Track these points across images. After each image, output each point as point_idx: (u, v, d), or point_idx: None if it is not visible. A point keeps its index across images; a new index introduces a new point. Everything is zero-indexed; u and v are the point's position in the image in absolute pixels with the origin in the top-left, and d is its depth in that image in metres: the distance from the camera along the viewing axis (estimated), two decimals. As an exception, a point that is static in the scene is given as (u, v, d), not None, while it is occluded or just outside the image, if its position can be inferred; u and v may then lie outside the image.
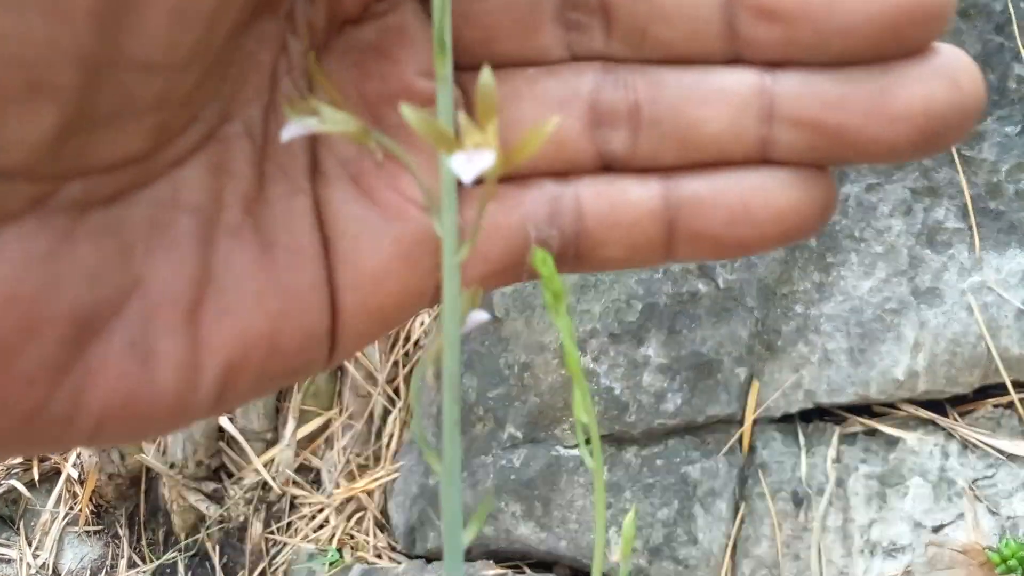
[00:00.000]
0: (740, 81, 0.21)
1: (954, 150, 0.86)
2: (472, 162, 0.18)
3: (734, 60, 0.21)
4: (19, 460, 1.27)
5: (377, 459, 1.21)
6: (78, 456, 1.29)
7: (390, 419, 1.22)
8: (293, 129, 0.19)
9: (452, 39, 0.22)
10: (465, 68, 0.22)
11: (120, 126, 0.18)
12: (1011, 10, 0.87)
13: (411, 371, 1.27)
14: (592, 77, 0.22)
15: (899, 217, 0.86)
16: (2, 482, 1.26)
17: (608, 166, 0.23)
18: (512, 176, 0.22)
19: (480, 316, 0.21)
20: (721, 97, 0.21)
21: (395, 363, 1.27)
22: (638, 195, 0.22)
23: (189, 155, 0.20)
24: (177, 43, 0.17)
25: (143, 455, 1.26)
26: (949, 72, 0.20)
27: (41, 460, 1.29)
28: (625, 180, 0.22)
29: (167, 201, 0.20)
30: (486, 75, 0.17)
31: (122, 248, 0.19)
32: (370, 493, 1.16)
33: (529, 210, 0.22)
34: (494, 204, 0.22)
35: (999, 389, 0.83)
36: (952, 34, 0.88)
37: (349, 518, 1.18)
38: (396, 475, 1.16)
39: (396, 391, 1.26)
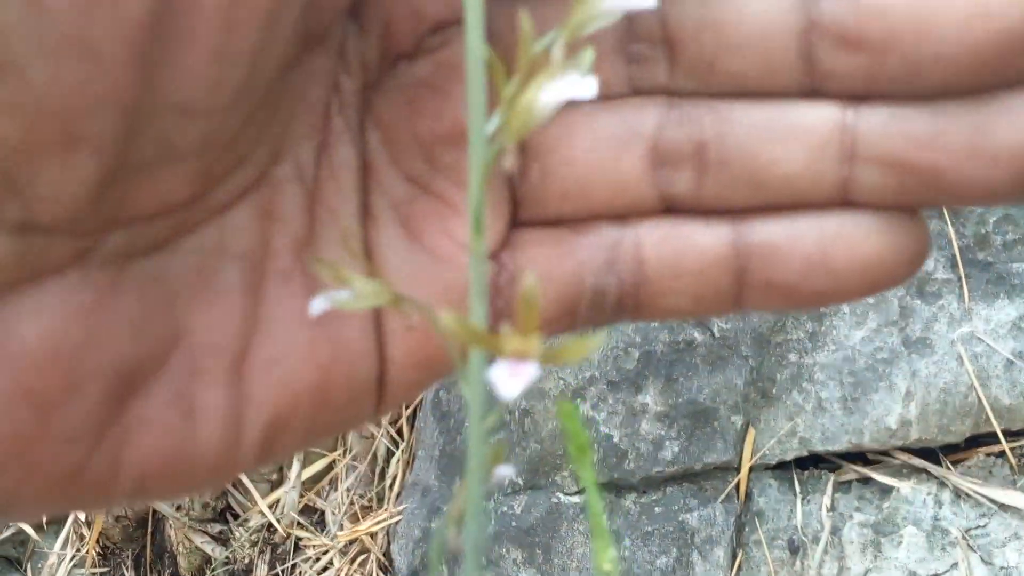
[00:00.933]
0: (819, 116, 0.19)
1: (943, 202, 0.88)
2: (514, 376, 0.16)
3: (812, 93, 0.19)
4: (28, 502, 1.29)
5: (381, 500, 1.23)
6: (86, 498, 1.31)
7: (393, 460, 1.23)
8: (321, 304, 0.18)
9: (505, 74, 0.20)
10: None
11: (162, 173, 0.17)
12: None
13: (414, 411, 1.29)
14: (655, 113, 0.20)
15: (890, 268, 0.88)
16: (10, 524, 1.28)
17: (672, 209, 0.21)
18: (568, 220, 0.21)
19: (505, 471, 0.19)
20: (797, 135, 0.19)
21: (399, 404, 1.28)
22: (705, 241, 0.20)
23: (236, 200, 0.19)
24: (219, 85, 0.17)
25: (150, 497, 1.28)
26: None
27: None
28: (691, 224, 0.21)
29: (213, 248, 0.19)
30: (530, 279, 0.16)
31: (166, 298, 0.19)
32: (373, 536, 1.18)
33: (585, 257, 0.21)
34: (549, 250, 0.21)
35: (990, 438, 0.84)
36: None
37: (353, 560, 1.20)
38: (399, 517, 1.17)
39: (399, 432, 1.27)
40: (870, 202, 0.19)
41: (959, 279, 0.87)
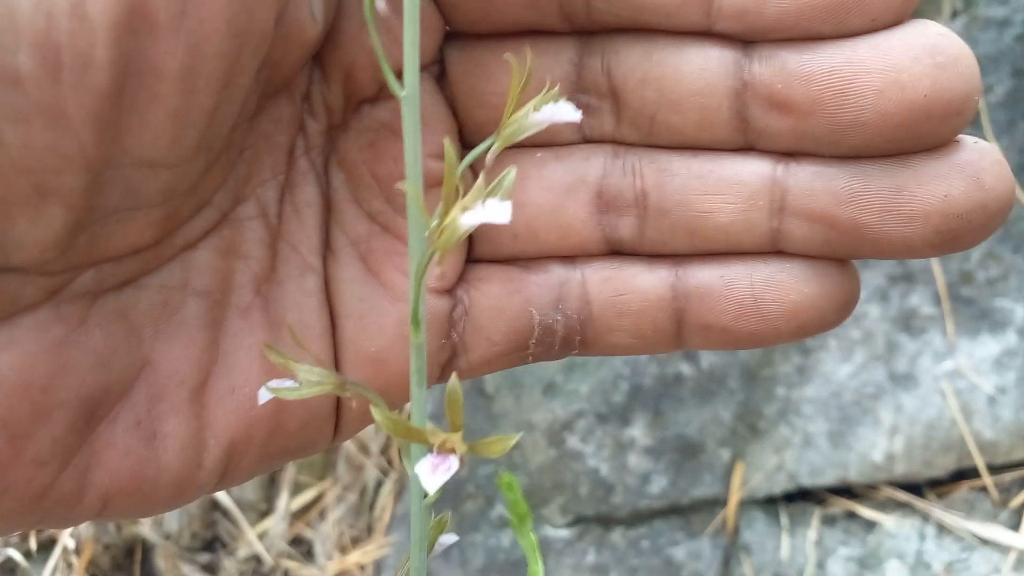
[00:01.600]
0: (751, 171, 0.20)
1: (927, 239, 0.89)
2: (437, 470, 0.17)
3: (746, 149, 0.20)
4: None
5: (370, 530, 1.23)
6: (75, 527, 1.30)
7: (383, 490, 1.24)
8: (266, 395, 0.19)
9: (464, 119, 0.21)
10: (476, 146, 0.22)
11: (128, 218, 0.18)
12: (981, 103, 0.91)
13: (404, 442, 1.28)
14: (600, 162, 0.21)
15: (876, 303, 0.89)
16: (0, 551, 1.27)
17: (616, 251, 0.22)
18: (518, 259, 0.22)
19: (449, 539, 0.21)
20: (730, 188, 0.20)
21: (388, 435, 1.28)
22: (646, 283, 0.21)
23: (199, 239, 0.20)
24: (180, 141, 0.18)
25: (139, 526, 1.27)
26: (972, 169, 0.19)
27: (38, 530, 1.31)
28: (633, 266, 0.22)
29: (177, 285, 0.20)
30: (453, 382, 0.17)
31: (131, 332, 0.20)
32: (363, 567, 1.18)
33: (534, 294, 0.22)
34: (500, 287, 0.22)
35: (974, 472, 0.85)
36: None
37: (342, 591, 1.20)
38: (388, 549, 1.17)
39: (389, 462, 1.28)
40: (799, 252, 0.20)
41: (943, 314, 0.88)
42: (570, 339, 0.22)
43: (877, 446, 0.87)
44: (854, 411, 0.88)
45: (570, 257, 0.22)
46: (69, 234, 0.17)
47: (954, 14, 0.90)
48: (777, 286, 0.21)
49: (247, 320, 0.21)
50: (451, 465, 0.18)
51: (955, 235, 0.19)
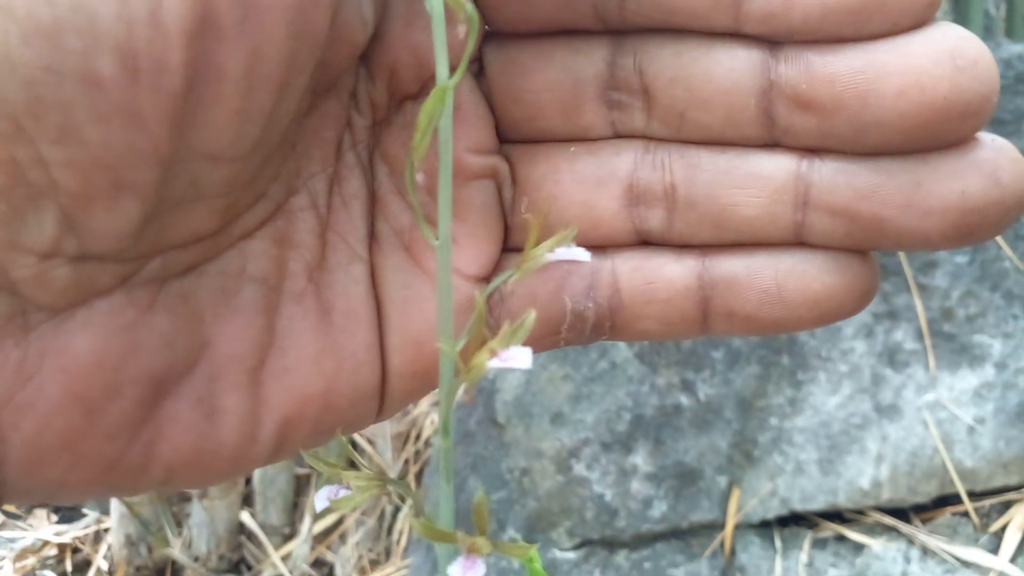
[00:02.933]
0: (776, 167, 0.21)
1: (910, 278, 0.95)
2: (467, 572, 0.19)
3: (771, 145, 0.21)
4: (53, 552, 1.34)
5: (388, 554, 1.28)
6: (108, 548, 1.36)
7: (400, 516, 1.30)
8: (322, 503, 0.21)
9: (501, 115, 0.22)
10: (513, 141, 0.23)
11: (192, 209, 0.19)
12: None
13: (421, 469, 1.35)
14: (631, 157, 0.22)
15: (862, 339, 0.94)
16: (37, 573, 1.33)
17: (645, 242, 0.22)
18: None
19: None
20: (756, 182, 0.21)
21: (406, 461, 1.35)
22: (674, 272, 0.22)
23: (256, 229, 0.21)
24: (241, 137, 0.19)
25: (170, 548, 1.34)
26: (990, 167, 0.19)
27: (74, 551, 1.37)
28: (661, 256, 0.22)
29: (235, 271, 0.21)
30: (479, 497, 0.19)
31: (194, 315, 0.21)
32: (381, 588, 1.23)
33: (566, 282, 0.22)
34: (533, 275, 0.22)
35: (956, 498, 0.90)
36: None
37: (361, 612, 1.25)
38: (405, 571, 1.22)
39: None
40: (822, 244, 0.21)
41: (926, 349, 0.93)
42: (600, 325, 0.23)
43: (864, 473, 0.92)
44: (842, 440, 0.93)
45: (601, 247, 0.22)
46: (141, 224, 0.18)
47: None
48: (800, 276, 0.21)
49: (300, 305, 0.22)
50: (479, 569, 0.19)
51: (971, 230, 0.19)
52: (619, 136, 0.22)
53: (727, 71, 0.20)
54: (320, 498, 0.22)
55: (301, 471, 1.39)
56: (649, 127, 0.22)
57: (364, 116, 0.22)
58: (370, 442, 1.34)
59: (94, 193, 0.17)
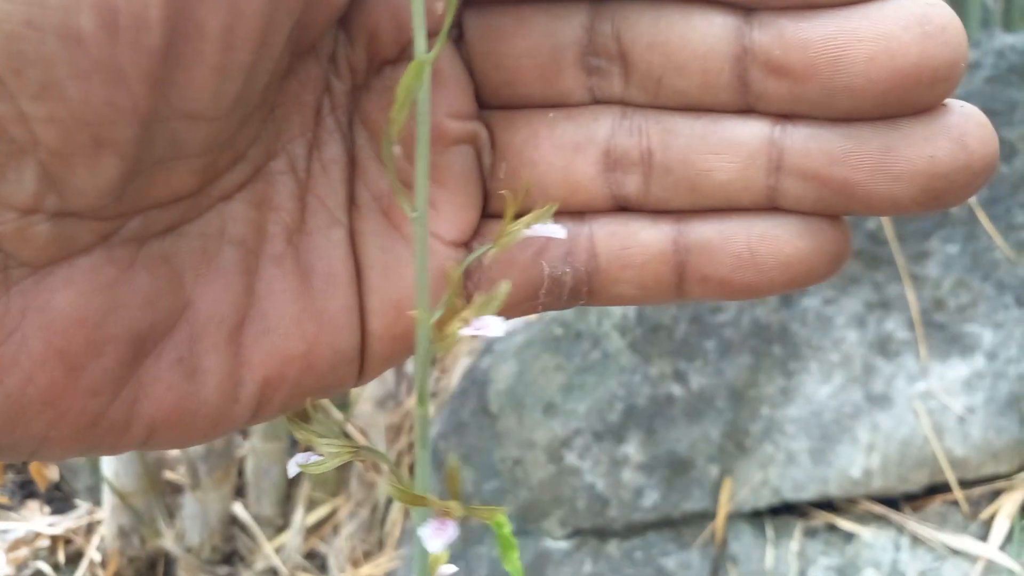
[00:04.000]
0: (750, 132, 0.21)
1: (903, 268, 0.95)
2: (438, 533, 0.20)
3: (745, 111, 0.21)
4: (46, 543, 1.34)
5: (381, 545, 1.29)
6: (101, 539, 1.36)
7: (393, 507, 1.30)
8: (294, 469, 0.21)
9: (480, 81, 0.22)
10: (492, 107, 0.23)
11: (172, 168, 0.19)
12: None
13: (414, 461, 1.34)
14: (608, 123, 0.22)
15: (854, 328, 0.95)
16: (30, 563, 1.34)
17: (622, 208, 0.23)
18: (529, 213, 0.22)
19: (448, 569, 0.23)
20: (731, 147, 0.21)
21: (399, 452, 1.35)
22: (649, 237, 0.22)
23: (235, 191, 0.21)
24: (221, 95, 0.19)
25: (163, 539, 1.34)
26: (957, 132, 0.19)
27: (67, 543, 1.37)
28: (638, 222, 0.22)
29: (215, 233, 0.21)
30: (452, 460, 0.20)
31: (174, 275, 0.21)
32: (374, 579, 1.23)
33: (544, 248, 0.23)
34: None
35: (946, 487, 0.90)
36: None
37: (354, 602, 1.25)
38: (398, 562, 1.23)
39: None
40: (794, 208, 0.21)
41: (917, 339, 0.93)
42: (578, 289, 0.23)
43: (855, 462, 0.92)
44: (834, 430, 0.93)
45: (579, 213, 0.23)
46: (121, 182, 0.18)
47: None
48: (772, 240, 0.21)
49: (280, 268, 0.22)
50: (450, 531, 0.20)
51: (939, 194, 0.20)
52: (597, 102, 0.22)
53: (703, 37, 0.21)
54: (292, 464, 0.22)
55: (294, 463, 1.38)
56: (627, 92, 0.22)
57: (343, 80, 0.22)
58: (363, 433, 1.34)
59: (75, 149, 0.18)
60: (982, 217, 0.93)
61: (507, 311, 0.22)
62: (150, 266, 0.20)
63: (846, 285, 0.96)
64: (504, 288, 0.20)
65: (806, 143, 0.20)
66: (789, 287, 0.22)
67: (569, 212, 0.23)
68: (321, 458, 0.22)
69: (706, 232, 0.22)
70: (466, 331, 0.20)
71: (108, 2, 0.17)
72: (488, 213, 0.23)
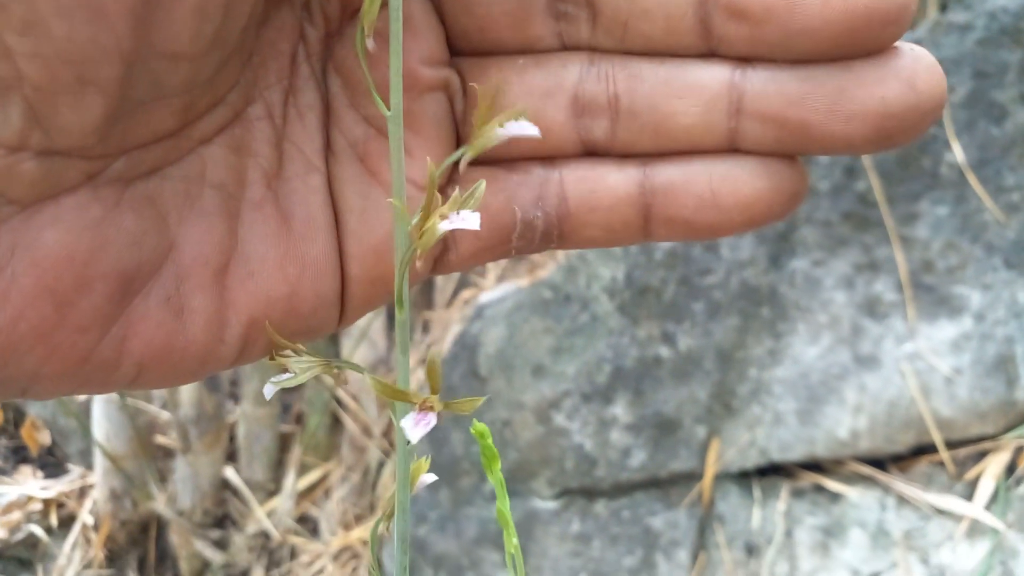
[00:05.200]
0: (712, 76, 0.22)
1: (892, 229, 0.95)
2: (419, 425, 0.20)
3: (708, 55, 0.22)
4: (38, 507, 1.35)
5: (372, 508, 1.29)
6: (93, 503, 1.37)
7: (384, 471, 1.30)
8: (271, 388, 0.22)
9: (451, 28, 0.23)
10: (463, 54, 0.23)
11: (154, 108, 0.20)
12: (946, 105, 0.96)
13: (406, 425, 1.35)
14: (576, 69, 0.23)
15: (842, 290, 0.94)
16: (22, 527, 1.34)
17: (590, 152, 0.23)
18: (501, 159, 0.23)
19: (428, 478, 0.23)
20: (694, 92, 0.22)
21: (390, 416, 1.34)
22: (616, 180, 0.23)
23: (215, 134, 0.22)
24: (199, 35, 0.19)
25: (154, 503, 1.34)
26: (907, 74, 0.20)
27: (59, 506, 1.37)
28: (605, 166, 0.23)
29: (196, 176, 0.22)
30: (433, 355, 0.20)
31: (159, 216, 0.21)
32: (365, 542, 1.24)
33: (516, 193, 0.23)
34: (486, 183, 0.22)
35: (932, 448, 0.91)
36: (889, 125, 0.97)
37: (345, 565, 1.26)
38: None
39: (391, 443, 1.34)
40: (753, 150, 0.22)
41: (905, 301, 0.93)
42: (549, 233, 0.24)
43: (842, 423, 0.92)
44: (821, 391, 0.93)
45: (548, 158, 0.23)
46: (105, 121, 0.19)
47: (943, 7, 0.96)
48: (733, 181, 0.22)
49: (261, 212, 0.22)
50: (430, 420, 0.20)
51: (891, 133, 0.20)
52: (566, 47, 0.23)
53: None
54: (267, 386, 0.23)
55: (285, 428, 1.39)
56: (594, 37, 0.23)
57: (317, 28, 0.23)
58: (354, 398, 1.34)
59: (59, 87, 0.18)
60: (972, 179, 0.93)
61: (481, 255, 0.24)
62: (135, 206, 0.21)
63: (835, 247, 0.96)
64: (482, 186, 0.21)
65: (765, 86, 0.21)
66: (748, 226, 0.22)
67: (539, 157, 0.23)
68: (292, 375, 0.22)
69: (670, 175, 0.22)
70: (444, 225, 0.20)
71: None
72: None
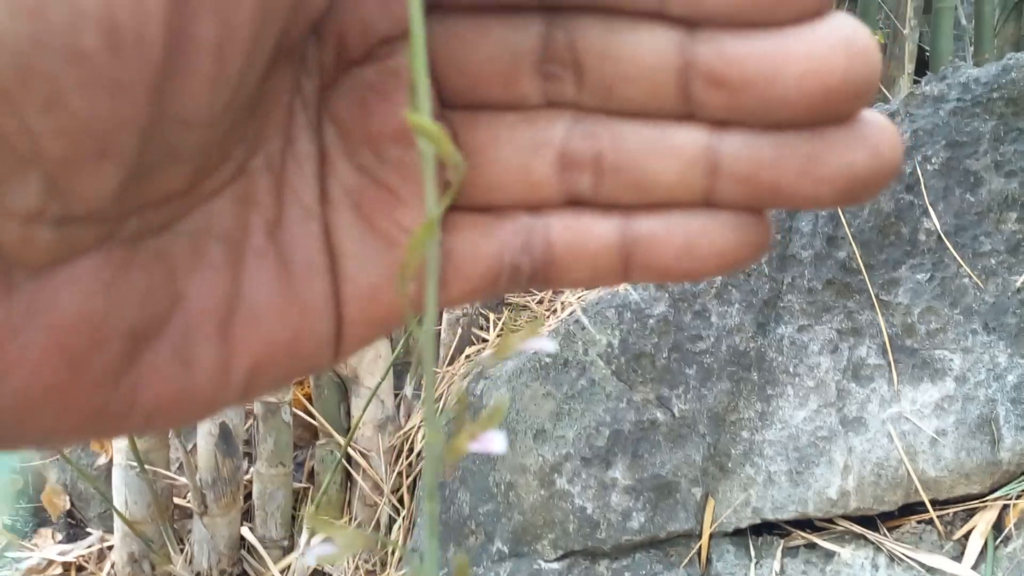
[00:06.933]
0: (691, 139, 0.23)
1: (873, 296, 0.99)
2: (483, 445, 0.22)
3: (687, 118, 0.23)
4: (58, 572, 1.38)
5: (384, 565, 1.32)
6: (112, 566, 1.41)
7: (395, 527, 1.33)
8: (312, 559, 0.23)
9: (443, 83, 0.24)
10: (453, 107, 0.25)
11: (167, 171, 0.21)
12: (919, 172, 1.00)
13: (414, 481, 1.39)
14: (563, 126, 0.24)
15: (827, 355, 0.98)
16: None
17: (575, 203, 0.25)
18: (492, 208, 0.25)
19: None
20: (674, 152, 0.23)
21: (399, 474, 1.39)
22: (600, 230, 0.24)
23: (220, 189, 0.23)
24: (213, 102, 0.20)
25: (172, 565, 1.38)
26: (872, 141, 0.22)
27: (79, 569, 1.41)
28: (589, 216, 0.24)
29: (203, 230, 0.23)
30: (461, 561, 0.21)
31: (167, 272, 0.22)
32: (376, 598, 1.27)
33: (505, 239, 0.24)
34: (476, 232, 0.24)
35: (920, 507, 0.94)
36: (869, 193, 1.01)
37: (358, 622, 1.29)
38: (399, 582, 1.26)
39: (400, 500, 1.38)
40: (728, 205, 0.24)
41: (889, 364, 0.97)
42: (535, 276, 0.25)
43: (832, 484, 0.96)
44: (810, 452, 0.97)
45: (535, 207, 0.25)
46: (120, 187, 0.19)
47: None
48: (708, 234, 0.23)
49: (263, 261, 0.23)
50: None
51: (856, 195, 0.22)
52: (552, 105, 0.24)
53: (651, 50, 0.23)
54: (310, 556, 0.23)
55: (299, 485, 1.43)
56: (579, 98, 0.24)
57: (312, 80, 0.24)
58: (364, 455, 1.38)
59: (79, 159, 0.18)
60: (949, 245, 0.96)
61: (471, 296, 0.25)
62: (145, 264, 0.22)
63: (819, 313, 1.00)
64: (504, 403, 0.23)
65: (740, 149, 0.23)
66: (719, 272, 0.24)
67: (527, 206, 0.25)
68: (335, 549, 0.23)
69: (651, 226, 0.24)
70: (473, 446, 0.22)
71: (111, 20, 0.18)
72: (453, 206, 0.25)
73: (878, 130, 0.22)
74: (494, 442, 0.22)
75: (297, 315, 0.23)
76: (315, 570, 1.41)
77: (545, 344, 0.24)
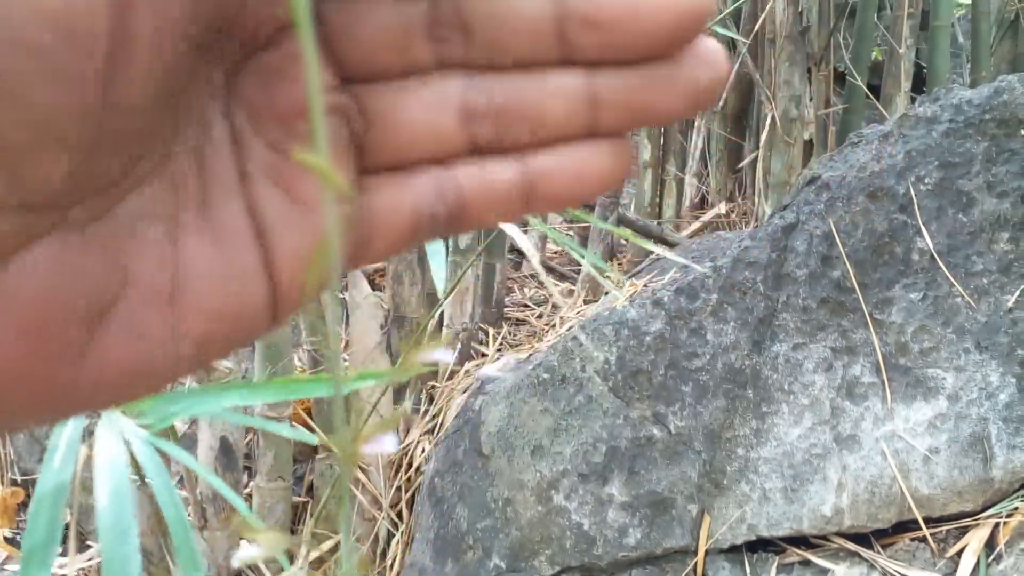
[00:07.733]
0: (572, 80, 0.25)
1: (867, 314, 1.00)
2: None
3: (566, 62, 0.26)
4: (59, 583, 1.39)
5: (382, 579, 1.33)
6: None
7: (393, 541, 1.34)
8: (236, 562, 0.25)
9: (341, 57, 0.26)
10: (356, 80, 0.27)
11: (108, 159, 0.22)
12: (912, 193, 1.01)
13: (413, 495, 1.40)
14: (459, 83, 0.26)
15: (821, 373, 0.99)
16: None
17: (478, 151, 0.27)
18: (405, 166, 0.27)
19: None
20: (559, 93, 0.25)
21: (398, 488, 1.40)
22: (503, 173, 0.26)
23: (150, 174, 0.24)
24: (149, 91, 0.21)
25: (171, 578, 1.38)
26: (711, 59, 0.25)
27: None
28: (492, 162, 0.27)
29: (139, 213, 0.24)
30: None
31: (115, 252, 0.23)
32: (375, 612, 1.28)
33: (421, 192, 0.26)
34: (393, 190, 0.26)
35: (914, 524, 0.95)
36: (862, 212, 1.02)
37: (356, 636, 1.30)
38: (398, 596, 1.27)
39: (399, 515, 1.38)
40: (606, 132, 0.26)
41: (882, 383, 0.98)
42: (450, 221, 0.28)
43: (826, 501, 0.97)
44: (805, 469, 0.98)
45: (443, 160, 0.26)
46: (71, 174, 0.21)
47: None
48: (592, 161, 0.26)
49: (198, 237, 0.25)
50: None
51: (702, 104, 0.26)
52: (445, 66, 0.27)
53: (529, 4, 0.26)
54: (236, 559, 0.26)
55: (298, 499, 1.44)
56: (469, 56, 0.26)
57: (220, 67, 0.25)
58: (363, 470, 1.38)
59: (39, 149, 0.20)
60: (942, 265, 0.97)
61: (398, 245, 0.27)
62: (94, 247, 0.23)
63: (813, 332, 1.01)
64: (400, 411, 0.26)
65: (614, 81, 0.25)
66: (601, 192, 0.28)
67: (437, 160, 0.27)
68: (260, 551, 0.24)
69: (546, 162, 0.27)
70: (372, 447, 0.23)
71: (67, 20, 0.20)
72: (367, 169, 0.27)
73: (714, 49, 0.25)
74: (385, 443, 0.24)
75: (235, 285, 0.25)
76: (314, 584, 1.42)
77: (443, 355, 0.26)
